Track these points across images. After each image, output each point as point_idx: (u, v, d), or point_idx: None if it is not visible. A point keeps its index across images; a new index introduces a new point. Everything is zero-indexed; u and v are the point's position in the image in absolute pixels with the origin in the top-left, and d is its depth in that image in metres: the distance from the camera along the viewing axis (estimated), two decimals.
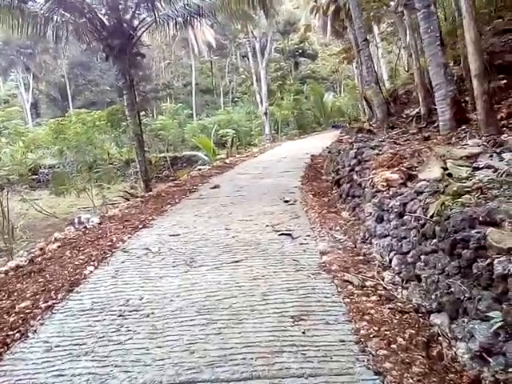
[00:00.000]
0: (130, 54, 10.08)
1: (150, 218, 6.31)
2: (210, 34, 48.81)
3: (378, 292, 3.32)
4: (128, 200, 8.56)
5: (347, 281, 3.47)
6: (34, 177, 23.65)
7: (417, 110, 8.83)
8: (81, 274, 4.06)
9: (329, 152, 9.67)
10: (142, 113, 28.08)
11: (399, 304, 3.15)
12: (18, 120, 30.12)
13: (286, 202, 6.83)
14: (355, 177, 6.07)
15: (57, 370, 2.49)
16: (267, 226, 5.36)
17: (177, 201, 7.65)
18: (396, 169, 4.36)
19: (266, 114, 22.35)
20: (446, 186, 3.48)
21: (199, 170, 15.21)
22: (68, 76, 50.19)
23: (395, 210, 3.92)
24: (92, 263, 4.36)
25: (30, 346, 2.79)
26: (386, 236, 4.15)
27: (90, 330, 2.93)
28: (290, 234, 4.85)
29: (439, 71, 5.70)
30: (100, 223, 6.02)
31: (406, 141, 6.83)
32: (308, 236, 4.82)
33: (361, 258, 4.06)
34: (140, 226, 5.79)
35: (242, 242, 4.70)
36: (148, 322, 2.99)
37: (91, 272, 4.13)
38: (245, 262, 4.06)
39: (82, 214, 6.33)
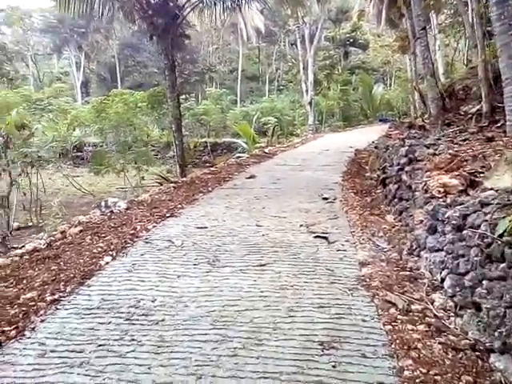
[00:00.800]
0: (173, 34, 9.76)
1: (179, 206, 5.99)
2: (259, 20, 48.10)
3: (427, 319, 2.79)
4: (161, 184, 8.31)
5: (390, 302, 2.96)
6: (79, 154, 24.30)
7: (477, 106, 7.97)
8: (96, 265, 3.77)
9: (375, 147, 9.01)
10: (183, 96, 28.15)
11: (452, 338, 2.62)
12: (66, 97, 30.98)
13: (325, 199, 6.31)
14: (404, 177, 5.45)
15: (45, 383, 2.17)
16: (302, 225, 4.88)
17: (209, 189, 7.30)
18: (456, 173, 3.75)
19: (310, 103, 21.61)
20: None
21: (237, 157, 14.88)
22: (118, 57, 51.11)
23: (453, 222, 3.34)
24: (110, 252, 4.08)
25: (24, 347, 2.50)
26: (438, 250, 3.57)
27: (92, 335, 2.60)
28: (326, 238, 4.35)
29: (511, 64, 4.96)
30: (127, 208, 5.76)
31: (464, 141, 6.09)
32: (347, 241, 4.30)
33: (407, 273, 3.51)
34: (167, 215, 5.47)
35: (272, 242, 4.26)
36: (156, 332, 2.63)
37: (107, 263, 3.84)
38: (272, 267, 3.63)
39: (110, 197, 6.12)
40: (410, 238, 4.33)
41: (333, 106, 28.01)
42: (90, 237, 4.57)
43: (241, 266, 3.65)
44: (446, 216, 3.51)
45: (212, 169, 9.67)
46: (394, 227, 4.97)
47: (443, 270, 3.40)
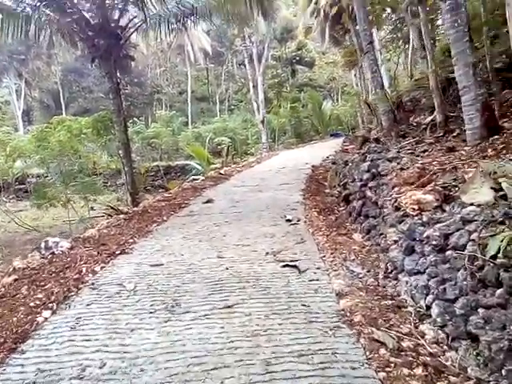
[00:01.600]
0: (116, 55, 9.24)
1: (131, 240, 5.42)
2: (206, 41, 48.30)
3: (422, 358, 2.45)
4: (111, 216, 7.66)
5: (378, 341, 2.60)
6: (22, 186, 22.77)
7: (431, 117, 8.03)
8: (32, 323, 3.17)
9: (333, 163, 8.86)
10: (131, 120, 27.27)
11: (454, 379, 2.29)
12: (6, 127, 29.23)
13: (289, 221, 5.97)
14: (369, 193, 5.23)
15: None
16: (268, 253, 4.49)
17: (164, 218, 6.77)
18: (429, 188, 3.51)
19: (263, 122, 21.56)
20: (507, 214, 2.64)
21: (192, 180, 14.38)
22: (61, 83, 49.33)
23: (433, 242, 3.07)
24: (50, 305, 3.47)
25: None
26: (418, 273, 3.29)
27: None
28: (296, 266, 3.98)
29: (467, 72, 4.91)
30: (71, 248, 5.13)
31: (424, 152, 6.00)
32: (318, 269, 3.95)
33: (388, 302, 3.20)
34: (117, 252, 4.90)
35: (237, 277, 3.82)
36: None
37: (46, 319, 3.24)
38: (241, 307, 3.19)
39: (50, 237, 5.43)
40: (383, 260, 4.05)
41: (284, 124, 28.21)
42: (26, 287, 3.93)
43: (204, 310, 3.18)
44: (424, 236, 3.25)
45: (166, 195, 9.12)
46: (363, 247, 4.70)
47: (427, 295, 3.11)
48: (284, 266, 4.03)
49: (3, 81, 47.69)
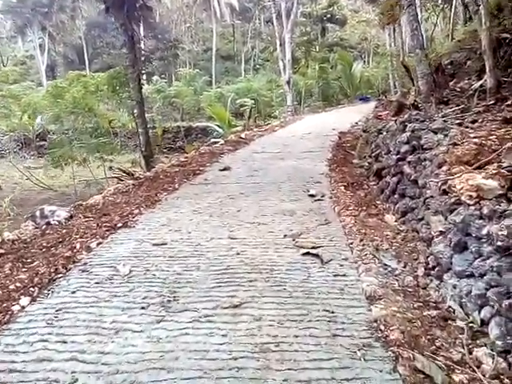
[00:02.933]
0: (131, 5, 8.46)
1: (136, 211, 4.91)
2: None
3: None
4: (121, 180, 7.18)
5: (422, 372, 2.01)
6: (43, 143, 22.63)
7: (480, 82, 7.06)
8: (5, 314, 2.71)
9: (364, 131, 8.05)
10: (154, 77, 26.39)
11: None
12: (29, 82, 28.96)
13: (312, 196, 5.33)
14: (407, 169, 4.50)
15: None
16: (286, 235, 3.89)
17: (176, 186, 6.23)
18: (493, 171, 2.80)
19: (288, 82, 20.45)
20: None
21: (211, 143, 13.78)
22: (85, 37, 48.46)
23: (498, 243, 2.40)
24: (32, 290, 3.01)
25: None
26: (471, 276, 2.65)
27: None
28: (318, 255, 3.38)
29: None
30: (70, 217, 4.66)
31: (473, 122, 5.18)
32: (345, 260, 3.34)
33: (432, 312, 2.58)
34: (119, 225, 4.40)
35: (249, 265, 3.26)
36: None
37: (22, 309, 2.78)
38: (250, 308, 2.64)
39: (47, 205, 4.96)
40: (423, 252, 3.40)
41: (311, 86, 26.92)
42: (10, 264, 3.48)
43: (206, 309, 2.64)
44: (483, 232, 2.57)
45: (181, 159, 8.55)
46: (398, 233, 4.04)
47: (483, 307, 2.48)
48: (304, 254, 3.43)
49: (27, 34, 47.22)
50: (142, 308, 2.70)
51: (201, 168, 7.55)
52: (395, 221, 4.49)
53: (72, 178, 15.19)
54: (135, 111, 9.06)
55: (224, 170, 7.31)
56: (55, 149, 11.55)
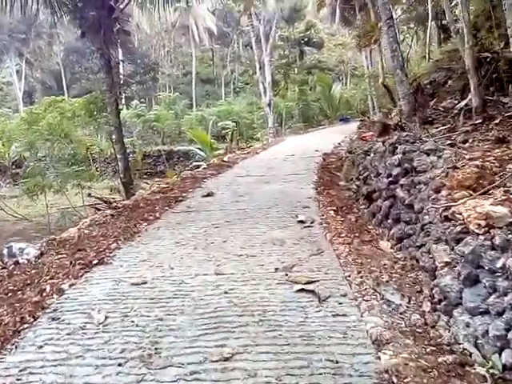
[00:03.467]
0: (108, 29, 8.25)
1: (113, 245, 4.55)
2: (211, 21, 46.84)
3: None
4: (98, 210, 6.80)
5: None
6: (19, 170, 21.95)
7: (465, 101, 7.02)
8: None
9: (349, 152, 7.90)
10: (133, 101, 26.11)
11: None
12: (6, 109, 28.35)
13: (301, 222, 5.07)
14: (401, 193, 4.30)
15: None
16: (277, 269, 3.60)
17: (157, 215, 5.89)
18: (502, 197, 2.59)
19: (269, 105, 20.47)
20: None
21: (193, 167, 13.51)
22: (63, 63, 48.12)
23: None
24: None
25: None
26: (486, 313, 2.40)
27: None
28: (314, 292, 3.09)
29: None
30: (41, 255, 4.27)
31: (464, 142, 5.06)
32: (344, 296, 3.05)
33: (447, 357, 2.30)
34: (95, 262, 4.04)
35: (238, 306, 2.94)
36: None
37: None
38: (243, 361, 2.31)
39: (15, 243, 4.55)
40: (426, 283, 3.16)
41: (291, 107, 27.09)
42: None
43: (192, 364, 2.31)
44: (498, 265, 2.34)
45: (162, 185, 8.23)
46: (395, 262, 3.80)
47: (503, 349, 2.22)
48: (299, 291, 3.14)
49: (5, 61, 46.62)
50: (119, 365, 2.35)
51: (183, 194, 7.24)
52: (391, 247, 4.26)
53: (49, 206, 14.62)
54: (113, 136, 8.74)
55: (207, 195, 7.02)
56: (28, 178, 11.07)
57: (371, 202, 5.31)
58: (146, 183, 9.88)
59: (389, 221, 4.57)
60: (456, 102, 8.29)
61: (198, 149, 17.04)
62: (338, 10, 31.82)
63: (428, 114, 8.76)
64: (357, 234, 4.60)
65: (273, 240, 4.42)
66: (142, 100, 29.41)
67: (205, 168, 10.36)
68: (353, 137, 10.33)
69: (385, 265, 3.71)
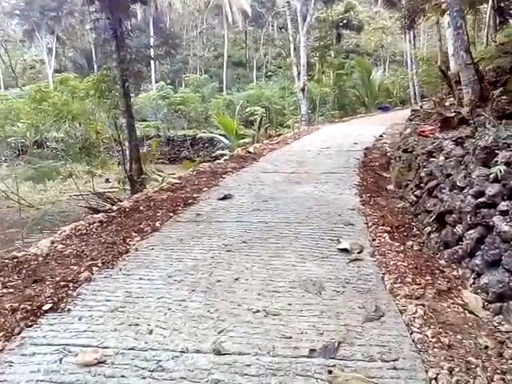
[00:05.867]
0: None
1: (84, 274, 3.29)
2: (245, 1, 45.04)
3: None
4: (92, 212, 5.60)
5: None
6: (41, 151, 21.31)
7: None
8: None
9: (404, 151, 6.37)
10: (158, 83, 24.92)
11: None
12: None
13: (344, 251, 3.66)
14: (502, 225, 2.86)
15: None
16: (313, 351, 2.23)
17: (157, 224, 4.61)
18: None
19: (303, 90, 18.81)
20: None
21: (217, 157, 12.23)
22: (95, 42, 47.50)
23: None
24: None
25: None
26: None
27: None
28: None
29: None
30: None
31: None
32: None
33: None
34: (47, 306, 2.79)
35: None
36: None
37: None
38: None
39: None
40: None
41: (326, 93, 25.29)
42: None
43: None
44: None
45: (173, 180, 6.95)
46: (495, 334, 2.39)
47: None
48: None
49: (37, 38, 46.41)
50: None
51: (195, 195, 5.94)
52: (482, 306, 2.83)
53: (61, 192, 13.72)
54: (122, 121, 7.54)
55: (224, 198, 5.70)
56: (36, 163, 10.07)
57: (443, 226, 3.84)
58: (159, 175, 8.74)
59: (476, 261, 3.12)
60: None
61: (223, 136, 15.70)
62: None
63: (500, 104, 7.10)
64: (428, 278, 3.17)
65: (305, 283, 3.05)
66: (169, 82, 28.23)
67: (226, 160, 9.02)
68: (403, 130, 8.75)
69: (486, 348, 2.29)
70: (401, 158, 6.46)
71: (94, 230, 4.52)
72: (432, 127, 6.57)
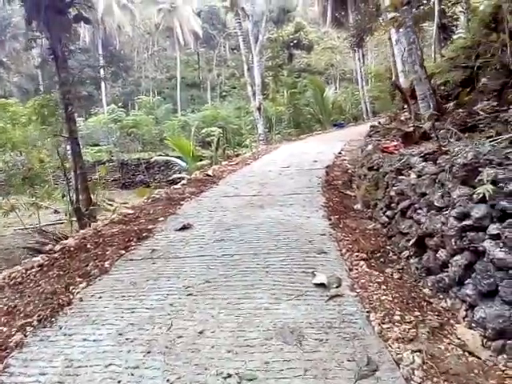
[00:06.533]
0: (55, 10, 6.39)
1: (16, 337, 2.70)
2: (196, 23, 45.13)
3: None
4: (38, 252, 4.93)
5: None
6: None
7: None
8: None
9: (369, 168, 6.15)
10: (110, 106, 24.09)
11: None
12: None
13: (321, 285, 3.28)
14: (495, 250, 2.57)
15: None
16: None
17: (106, 265, 4.04)
18: None
19: (259, 109, 18.69)
20: None
21: (174, 180, 11.71)
22: (40, 66, 45.69)
23: None
24: None
25: None
26: None
27: None
28: None
29: None
30: None
31: None
32: None
33: None
34: None
35: None
36: None
37: None
38: None
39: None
40: None
41: (281, 112, 25.38)
42: None
43: None
44: None
45: (127, 211, 6.36)
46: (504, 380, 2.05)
47: None
48: None
49: None
50: None
51: (150, 226, 5.40)
52: (482, 344, 2.51)
53: (5, 226, 12.63)
54: (67, 147, 6.89)
55: (183, 228, 5.20)
56: None
57: (424, 251, 3.55)
58: (110, 205, 8.09)
59: (467, 290, 2.82)
60: (495, 104, 6.69)
61: (179, 158, 15.15)
62: (329, 10, 30.39)
63: (458, 118, 7.10)
64: (417, 314, 2.84)
65: (282, 331, 2.62)
66: (121, 104, 27.36)
67: (184, 184, 8.51)
68: (363, 146, 8.62)
69: None
70: (366, 176, 6.24)
71: (31, 277, 3.88)
72: (395, 143, 6.42)
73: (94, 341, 2.65)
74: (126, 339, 2.63)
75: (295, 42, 37.94)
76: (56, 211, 13.04)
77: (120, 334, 2.70)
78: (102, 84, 37.99)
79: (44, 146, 8.79)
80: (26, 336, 2.76)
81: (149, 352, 2.47)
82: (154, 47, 49.26)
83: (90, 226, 5.83)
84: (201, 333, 2.66)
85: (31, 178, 9.62)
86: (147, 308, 3.07)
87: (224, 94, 41.43)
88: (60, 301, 3.26)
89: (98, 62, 26.88)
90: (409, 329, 2.61)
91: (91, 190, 7.44)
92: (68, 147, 7.12)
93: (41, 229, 7.14)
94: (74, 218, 7.65)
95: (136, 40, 47.80)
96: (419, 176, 4.06)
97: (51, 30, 6.34)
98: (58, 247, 4.61)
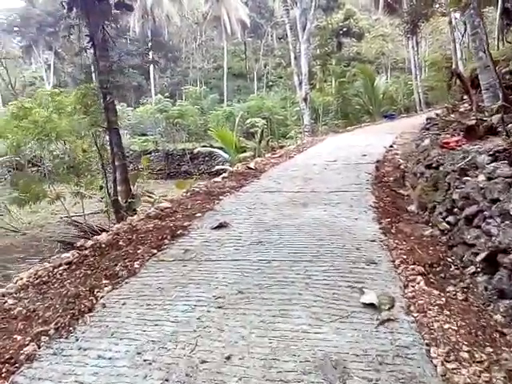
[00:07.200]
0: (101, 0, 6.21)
1: (27, 348, 2.48)
2: (243, 12, 44.73)
3: None
4: (71, 246, 4.79)
5: None
6: (38, 168, 20.59)
7: None
8: None
9: (427, 166, 5.53)
10: (157, 96, 24.29)
11: None
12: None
13: (371, 306, 2.82)
14: None
15: None
16: None
17: (135, 266, 3.78)
18: None
19: (305, 99, 18.06)
20: None
21: (216, 172, 11.49)
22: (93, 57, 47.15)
23: None
24: None
25: None
26: None
27: None
28: None
29: None
30: None
31: None
32: None
33: None
34: None
35: None
36: None
37: None
38: None
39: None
40: None
41: (329, 103, 24.56)
42: None
43: None
44: None
45: (164, 205, 6.13)
46: None
47: None
48: None
49: (35, 54, 46.14)
50: None
51: (186, 223, 5.11)
52: None
53: (53, 213, 12.96)
54: (106, 138, 6.78)
55: (219, 227, 4.88)
56: (20, 184, 9.30)
57: (495, 269, 3.00)
58: (150, 197, 7.94)
59: None
60: None
61: (221, 149, 14.91)
62: None
63: None
64: (489, 350, 2.32)
65: (323, 364, 2.20)
66: (169, 95, 27.57)
67: (225, 178, 8.21)
68: (418, 140, 7.92)
69: None
70: (423, 175, 5.62)
71: (58, 275, 3.69)
72: (457, 138, 5.74)
73: (109, 359, 2.36)
74: (144, 361, 2.32)
75: (345, 29, 36.62)
76: (101, 200, 13.24)
77: (138, 354, 2.39)
78: (151, 74, 38.67)
79: (87, 136, 8.87)
80: (39, 347, 2.52)
81: (166, 380, 2.14)
82: (201, 37, 49.45)
83: (125, 219, 5.65)
84: (228, 358, 2.30)
85: (76, 167, 9.68)
86: (172, 321, 2.75)
87: (270, 83, 40.94)
88: (82, 306, 3.02)
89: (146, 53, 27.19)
90: (480, 371, 2.12)
91: (131, 181, 7.34)
92: (107, 137, 7.03)
93: (75, 221, 7.10)
94: (113, 210, 7.60)
95: (184, 30, 48.16)
96: (490, 178, 3.48)
97: (90, 16, 6.19)
98: (89, 243, 4.42)
